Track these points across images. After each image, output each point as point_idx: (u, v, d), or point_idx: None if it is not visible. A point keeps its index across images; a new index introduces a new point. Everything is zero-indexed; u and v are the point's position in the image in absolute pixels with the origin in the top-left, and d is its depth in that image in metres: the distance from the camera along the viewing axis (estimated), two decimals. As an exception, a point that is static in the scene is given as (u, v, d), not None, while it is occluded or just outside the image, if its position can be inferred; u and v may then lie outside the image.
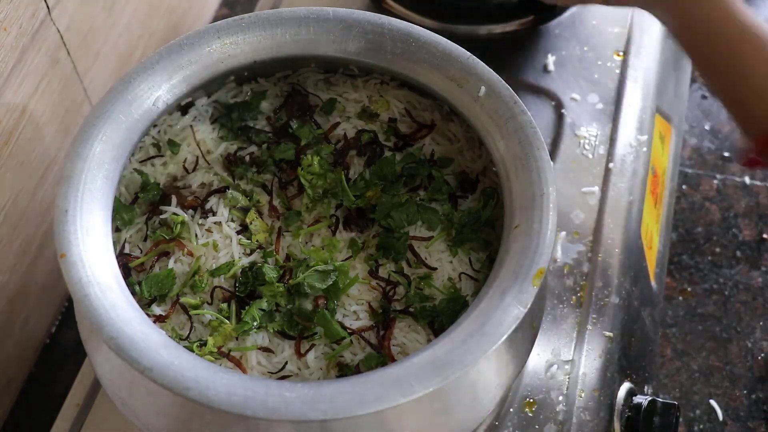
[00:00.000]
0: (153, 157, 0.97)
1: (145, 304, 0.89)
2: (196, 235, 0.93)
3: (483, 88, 0.92)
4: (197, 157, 0.97)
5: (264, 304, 0.88)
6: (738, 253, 1.42)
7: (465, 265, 0.92)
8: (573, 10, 1.39)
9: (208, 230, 0.93)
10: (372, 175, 0.97)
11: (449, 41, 0.95)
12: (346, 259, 0.92)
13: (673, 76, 1.43)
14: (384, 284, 0.91)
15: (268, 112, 1.01)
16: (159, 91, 0.93)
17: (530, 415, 1.06)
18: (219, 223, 0.94)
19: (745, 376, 1.34)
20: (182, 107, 0.99)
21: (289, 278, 0.90)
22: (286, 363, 0.86)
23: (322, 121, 1.01)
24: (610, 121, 1.28)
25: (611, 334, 1.11)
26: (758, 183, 1.49)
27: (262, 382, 0.77)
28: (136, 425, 0.88)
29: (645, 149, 1.27)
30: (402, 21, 0.96)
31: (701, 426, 1.30)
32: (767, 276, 1.41)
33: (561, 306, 1.13)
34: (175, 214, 0.94)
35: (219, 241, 0.93)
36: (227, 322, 0.88)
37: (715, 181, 1.50)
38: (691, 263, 1.42)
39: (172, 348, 0.78)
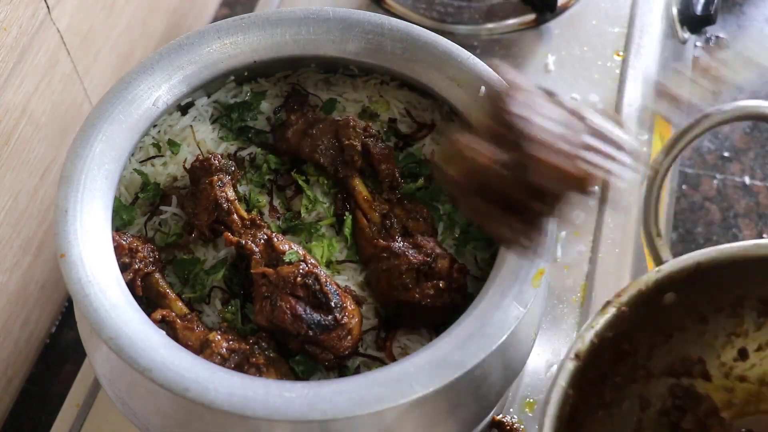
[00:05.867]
0: (153, 157, 0.97)
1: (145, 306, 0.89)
2: (196, 235, 0.93)
3: (483, 88, 0.92)
4: (197, 157, 0.97)
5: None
6: (738, 253, 1.42)
7: (471, 265, 0.92)
8: (573, 9, 1.39)
9: (208, 230, 0.94)
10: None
11: (449, 41, 0.95)
12: (345, 260, 0.92)
13: (673, 76, 1.43)
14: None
15: (268, 112, 1.01)
16: (159, 91, 0.93)
17: (530, 415, 1.06)
18: (219, 223, 0.94)
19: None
20: (182, 107, 0.99)
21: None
22: None
23: (322, 121, 1.01)
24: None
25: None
26: (758, 183, 1.49)
27: (262, 382, 0.77)
28: (135, 425, 0.88)
29: (645, 149, 1.26)
30: (402, 21, 0.96)
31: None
32: (767, 276, 1.41)
33: (561, 306, 1.13)
34: (175, 214, 0.94)
35: (219, 242, 0.92)
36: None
37: (715, 181, 1.49)
38: (691, 263, 1.42)
39: (172, 348, 0.78)
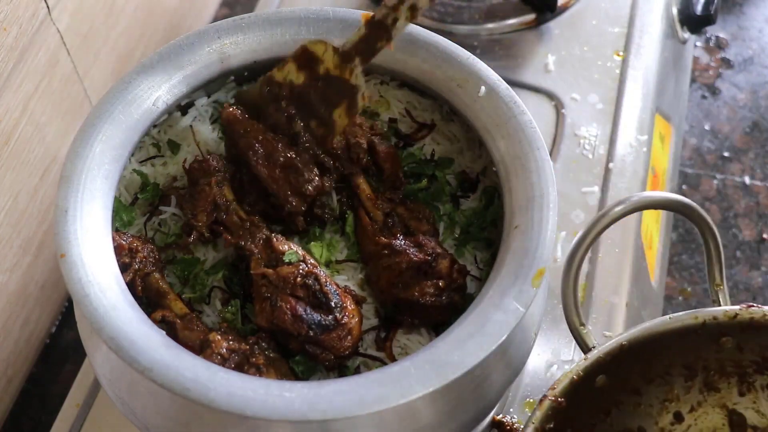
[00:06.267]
0: (153, 158, 0.97)
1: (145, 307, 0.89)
2: (196, 235, 0.93)
3: (483, 88, 0.92)
4: (197, 158, 0.97)
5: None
6: (738, 253, 1.42)
7: (471, 265, 0.92)
8: (573, 9, 1.39)
9: (208, 230, 0.93)
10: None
11: (449, 41, 0.95)
12: (345, 260, 0.92)
13: (673, 76, 1.43)
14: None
15: (268, 112, 1.01)
16: (159, 91, 0.93)
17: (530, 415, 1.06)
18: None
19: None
20: (182, 107, 0.99)
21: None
22: None
23: (322, 121, 1.00)
24: (610, 121, 1.28)
25: (611, 334, 1.11)
26: (758, 183, 1.49)
27: (262, 382, 0.77)
28: (135, 425, 0.88)
29: (645, 149, 1.27)
30: (402, 21, 0.96)
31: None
32: (767, 276, 1.41)
33: (561, 306, 1.13)
34: (174, 214, 0.94)
35: (219, 242, 0.92)
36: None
37: (715, 181, 1.50)
38: (691, 263, 1.42)
39: (172, 348, 0.78)
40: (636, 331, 0.93)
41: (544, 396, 0.89)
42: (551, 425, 0.89)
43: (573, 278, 0.96)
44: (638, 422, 0.98)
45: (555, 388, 0.89)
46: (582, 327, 0.96)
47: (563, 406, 0.89)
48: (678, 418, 0.99)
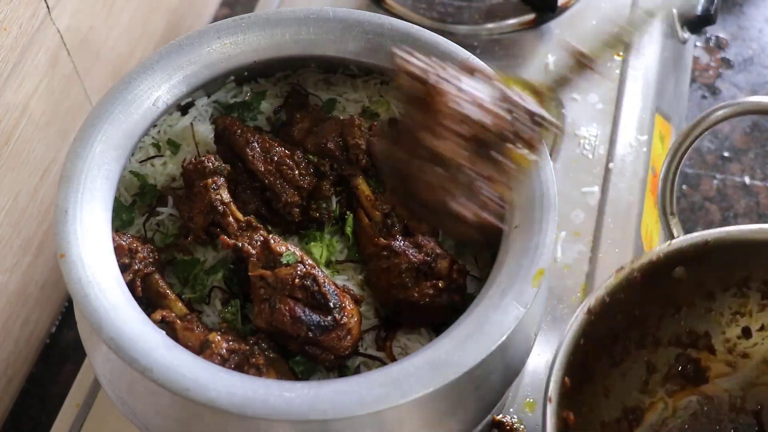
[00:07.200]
0: (153, 157, 0.97)
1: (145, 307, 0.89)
2: (196, 235, 0.93)
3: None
4: (192, 159, 0.97)
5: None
6: (738, 253, 1.42)
7: (471, 265, 0.92)
8: (573, 9, 1.39)
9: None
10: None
11: (449, 41, 0.95)
12: (345, 261, 0.92)
13: (673, 76, 1.43)
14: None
15: (268, 112, 1.01)
16: (159, 91, 0.93)
17: (530, 415, 1.06)
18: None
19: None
20: (182, 107, 0.99)
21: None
22: None
23: (322, 121, 1.00)
24: (610, 121, 1.28)
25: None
26: (758, 183, 1.49)
27: (262, 383, 0.77)
28: (135, 425, 0.88)
29: (645, 149, 1.26)
30: (402, 21, 0.96)
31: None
32: (767, 276, 1.41)
33: (561, 306, 1.13)
34: (172, 215, 0.94)
35: (218, 242, 0.92)
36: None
37: (715, 181, 1.49)
38: (691, 263, 1.42)
39: (172, 348, 0.78)
40: (723, 231, 0.93)
41: (621, 267, 0.91)
42: (622, 296, 0.90)
43: (674, 169, 0.99)
44: (705, 327, 0.99)
45: (633, 263, 0.91)
46: (672, 216, 0.99)
47: (637, 282, 0.90)
48: (746, 333, 0.99)
